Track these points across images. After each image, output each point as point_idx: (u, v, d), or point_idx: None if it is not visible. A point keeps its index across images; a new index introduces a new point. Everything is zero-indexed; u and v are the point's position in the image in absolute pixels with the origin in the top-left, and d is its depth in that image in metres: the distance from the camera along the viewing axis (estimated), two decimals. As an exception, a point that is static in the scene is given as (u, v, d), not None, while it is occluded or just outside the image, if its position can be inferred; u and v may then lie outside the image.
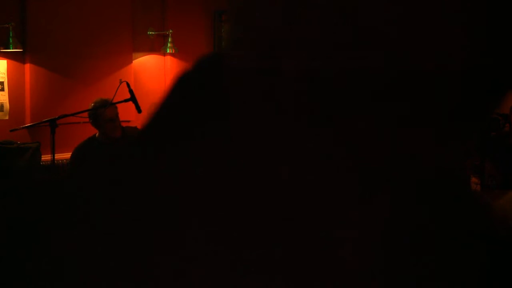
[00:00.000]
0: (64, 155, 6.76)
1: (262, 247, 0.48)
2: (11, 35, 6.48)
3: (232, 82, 0.52)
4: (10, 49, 6.50)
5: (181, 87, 0.56)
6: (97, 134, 5.91)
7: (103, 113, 5.72)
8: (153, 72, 8.02)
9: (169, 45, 7.94)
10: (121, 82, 5.64)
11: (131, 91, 5.61)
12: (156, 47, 8.02)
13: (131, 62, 7.70)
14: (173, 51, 7.98)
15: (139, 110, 5.60)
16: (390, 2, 0.45)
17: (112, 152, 0.58)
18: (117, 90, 5.65)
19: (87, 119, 5.72)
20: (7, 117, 6.60)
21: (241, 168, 0.50)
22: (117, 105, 5.77)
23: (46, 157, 6.25)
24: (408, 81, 0.46)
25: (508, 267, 0.69)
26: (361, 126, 0.48)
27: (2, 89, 6.58)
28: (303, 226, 0.48)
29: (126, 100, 5.69)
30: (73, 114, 5.65)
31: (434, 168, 0.52)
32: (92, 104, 5.77)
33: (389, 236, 0.50)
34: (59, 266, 0.48)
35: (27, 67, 6.77)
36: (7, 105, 6.59)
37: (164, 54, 8.11)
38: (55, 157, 5.39)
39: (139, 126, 6.11)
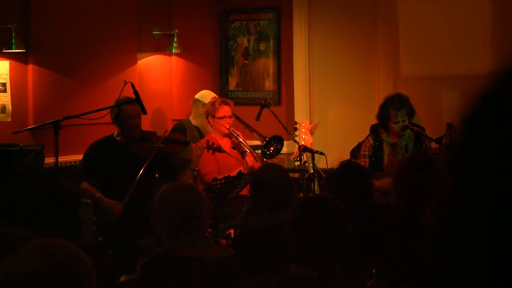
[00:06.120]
0: (68, 158, 6.77)
1: None
2: (13, 35, 6.48)
3: None
4: (12, 49, 6.51)
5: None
6: (115, 133, 5.94)
7: (125, 109, 5.76)
8: (158, 72, 8.03)
9: (174, 45, 7.94)
10: (125, 83, 5.65)
11: (136, 92, 5.62)
12: (162, 47, 8.03)
13: (136, 62, 7.70)
14: (179, 51, 7.98)
15: (144, 111, 5.62)
16: None
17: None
18: (121, 91, 5.66)
19: (92, 121, 5.74)
20: (9, 119, 6.62)
21: None
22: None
23: (49, 160, 6.26)
24: None
25: None
26: None
27: (5, 91, 6.59)
28: None
29: (131, 102, 5.71)
30: (77, 116, 5.66)
31: None
32: (116, 102, 5.81)
33: None
34: None
35: (30, 68, 6.78)
36: (9, 107, 6.61)
37: (170, 54, 8.11)
38: (59, 159, 5.40)
39: (144, 127, 6.13)
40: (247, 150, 6.36)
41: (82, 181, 5.76)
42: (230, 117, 6.42)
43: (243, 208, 5.36)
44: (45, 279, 1.87)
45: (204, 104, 7.19)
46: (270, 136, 6.31)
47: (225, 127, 6.40)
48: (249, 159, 6.37)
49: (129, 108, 5.77)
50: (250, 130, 6.58)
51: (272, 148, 6.33)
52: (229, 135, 6.46)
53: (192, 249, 3.38)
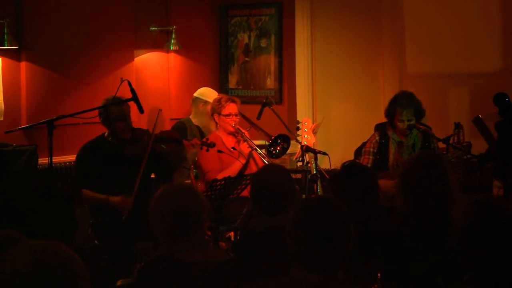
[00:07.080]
0: (62, 158, 6.77)
1: None
2: (6, 31, 6.48)
3: None
4: (5, 46, 6.50)
5: None
6: (106, 133, 5.92)
7: (111, 111, 5.74)
8: (156, 70, 8.02)
9: (172, 41, 7.94)
10: (122, 80, 5.64)
11: (132, 90, 5.61)
12: (159, 44, 8.03)
13: (133, 59, 7.70)
14: (177, 48, 7.98)
15: (141, 110, 5.60)
16: None
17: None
18: (118, 89, 5.66)
19: (86, 120, 5.72)
20: (2, 118, 6.61)
21: None
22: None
23: (43, 160, 6.26)
24: None
25: None
26: None
27: (-3, 89, 6.59)
28: None
29: (127, 100, 5.71)
30: (71, 115, 5.65)
31: None
32: (103, 101, 5.79)
33: None
34: None
35: (23, 65, 6.78)
36: (1, 106, 6.60)
37: (168, 51, 8.11)
38: (53, 160, 5.39)
39: (141, 127, 6.13)
40: (253, 149, 6.35)
41: (81, 188, 5.72)
42: (236, 115, 6.43)
43: (243, 210, 5.36)
44: (37, 281, 1.87)
45: (204, 102, 7.18)
46: (276, 135, 6.30)
47: (230, 125, 6.40)
48: (244, 147, 6.38)
49: (114, 109, 5.74)
50: (256, 128, 6.57)
51: (278, 148, 6.31)
52: (235, 133, 6.46)
53: (191, 253, 3.38)
